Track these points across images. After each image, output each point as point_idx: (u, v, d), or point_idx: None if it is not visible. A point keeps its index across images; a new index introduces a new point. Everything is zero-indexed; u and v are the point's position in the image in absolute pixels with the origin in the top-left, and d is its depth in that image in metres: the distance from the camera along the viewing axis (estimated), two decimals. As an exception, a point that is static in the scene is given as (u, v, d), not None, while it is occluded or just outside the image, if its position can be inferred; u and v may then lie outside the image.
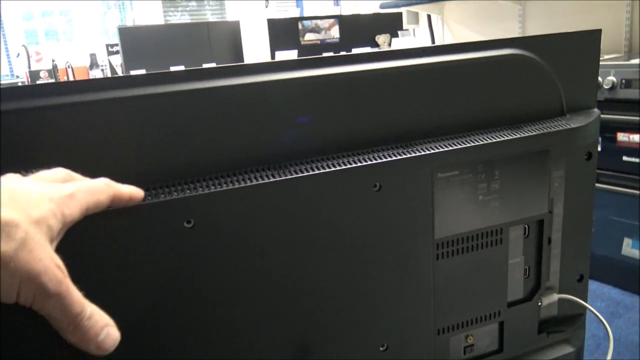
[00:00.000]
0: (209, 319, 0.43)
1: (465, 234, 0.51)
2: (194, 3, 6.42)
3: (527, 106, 0.53)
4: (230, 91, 0.43)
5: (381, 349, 0.50)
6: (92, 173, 0.40)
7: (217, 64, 3.85)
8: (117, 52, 4.44)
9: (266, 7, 4.12)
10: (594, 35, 0.55)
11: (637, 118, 1.54)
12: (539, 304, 0.57)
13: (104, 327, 0.33)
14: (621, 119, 1.57)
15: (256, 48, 3.98)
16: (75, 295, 0.32)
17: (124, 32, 3.89)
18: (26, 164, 0.37)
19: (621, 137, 1.61)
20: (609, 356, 0.57)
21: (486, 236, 0.52)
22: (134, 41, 3.89)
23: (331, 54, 4.43)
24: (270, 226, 0.43)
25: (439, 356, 0.53)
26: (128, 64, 3.92)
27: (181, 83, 0.42)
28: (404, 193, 0.47)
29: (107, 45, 4.53)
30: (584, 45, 0.55)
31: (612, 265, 1.66)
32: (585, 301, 0.60)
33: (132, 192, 0.38)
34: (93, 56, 4.17)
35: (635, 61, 1.61)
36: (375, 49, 4.37)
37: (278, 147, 0.45)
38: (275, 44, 4.01)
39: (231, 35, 4.20)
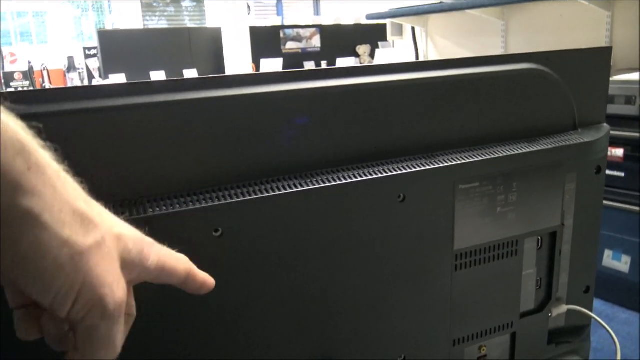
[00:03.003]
0: (232, 327, 0.43)
1: (483, 245, 0.51)
2: (172, 8, 6.37)
3: (542, 120, 0.54)
4: (261, 99, 0.42)
5: (399, 359, 0.50)
6: (116, 181, 0.39)
7: (197, 71, 3.83)
8: (94, 56, 4.37)
9: (248, 14, 4.11)
10: (605, 52, 0.57)
11: (621, 133, 1.59)
12: (550, 315, 0.58)
13: None
14: (604, 133, 1.62)
15: (237, 55, 3.97)
16: (123, 326, 0.29)
17: (103, 35, 3.83)
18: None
19: (604, 151, 1.66)
20: (617, 367, 0.58)
21: (503, 247, 0.52)
22: (113, 45, 3.83)
23: (312, 63, 4.44)
24: (296, 235, 0.43)
25: (453, 367, 0.54)
26: (107, 67, 3.86)
27: (208, 90, 0.41)
28: (427, 204, 0.47)
29: (85, 49, 4.45)
30: (596, 61, 0.56)
31: (592, 276, 1.69)
32: (592, 312, 0.61)
33: (206, 278, 0.35)
34: (71, 59, 4.09)
35: (617, 77, 1.66)
36: (358, 60, 4.41)
37: (305, 157, 0.45)
38: (257, 52, 4.00)
39: (212, 41, 4.18)
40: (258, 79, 0.43)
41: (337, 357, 0.47)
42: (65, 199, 0.26)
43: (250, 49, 3.97)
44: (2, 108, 0.25)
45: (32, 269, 0.25)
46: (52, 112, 0.36)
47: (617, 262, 1.70)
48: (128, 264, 0.30)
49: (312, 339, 0.46)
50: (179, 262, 0.33)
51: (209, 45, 4.22)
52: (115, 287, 0.28)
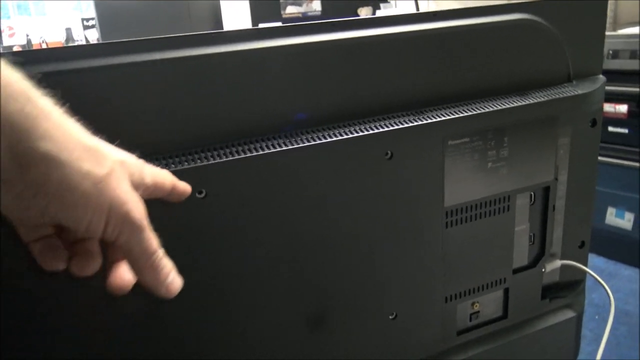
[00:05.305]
0: (221, 290, 0.43)
1: (474, 202, 0.51)
2: (170, -25, 6.23)
3: (535, 72, 0.53)
4: (243, 56, 0.41)
5: (390, 317, 0.50)
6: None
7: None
8: (92, 27, 4.31)
9: (246, -21, 4.02)
10: (600, 1, 0.55)
11: (624, 89, 1.56)
12: (543, 270, 0.58)
13: (172, 270, 0.35)
14: (608, 89, 1.58)
15: (237, 19, 3.89)
16: (152, 233, 0.33)
17: (100, 6, 3.76)
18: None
19: (607, 107, 1.63)
20: (611, 319, 0.58)
21: (494, 203, 0.52)
22: (111, 16, 3.75)
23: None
24: (282, 195, 0.43)
25: (446, 324, 0.54)
26: (105, 39, 3.81)
27: (192, 48, 0.40)
28: (415, 161, 0.47)
29: (83, 20, 4.39)
30: (590, 11, 0.55)
31: (595, 234, 1.69)
32: (586, 267, 0.61)
33: (186, 188, 0.38)
34: (69, 30, 4.05)
35: (622, 31, 1.62)
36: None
37: (290, 115, 0.44)
38: (257, 17, 3.93)
39: (211, 8, 4.10)
40: (240, 35, 0.41)
41: (328, 315, 0.47)
42: (74, 138, 0.30)
43: (249, 13, 3.90)
44: (3, 61, 0.27)
45: (64, 203, 0.29)
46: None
47: (620, 219, 1.69)
48: (134, 185, 0.33)
49: (302, 299, 0.46)
50: (166, 176, 0.37)
51: (208, 12, 4.14)
52: (135, 203, 0.32)
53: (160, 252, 0.34)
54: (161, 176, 0.36)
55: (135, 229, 0.32)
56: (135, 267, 0.34)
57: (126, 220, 0.31)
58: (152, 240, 0.33)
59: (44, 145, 0.28)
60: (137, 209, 0.32)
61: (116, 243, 0.32)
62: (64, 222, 0.30)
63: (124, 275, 0.35)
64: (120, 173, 0.32)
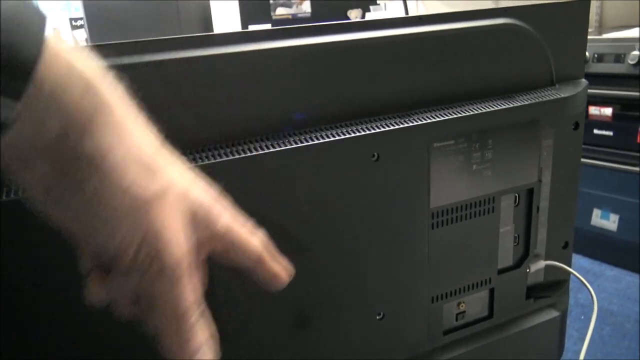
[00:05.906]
0: (207, 290, 0.43)
1: (459, 203, 0.52)
2: (159, -24, 6.20)
3: (519, 76, 0.54)
4: (232, 59, 0.42)
5: (377, 317, 0.51)
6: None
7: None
8: (81, 27, 4.28)
9: (236, -20, 4.01)
10: (583, 6, 0.56)
11: (609, 92, 1.58)
12: (527, 270, 0.59)
13: (204, 343, 0.28)
14: (593, 92, 1.61)
15: (226, 22, 3.89)
16: (189, 288, 0.26)
17: (88, 6, 3.74)
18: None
19: (593, 110, 1.65)
20: (593, 318, 0.59)
21: (479, 205, 0.53)
22: (100, 16, 3.74)
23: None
24: (269, 196, 0.43)
25: (432, 324, 0.55)
26: (93, 39, 3.78)
27: (181, 50, 0.40)
28: (402, 163, 0.47)
29: (71, 20, 4.36)
30: (573, 15, 0.56)
31: (581, 235, 1.72)
32: (570, 267, 0.62)
33: (280, 272, 0.31)
34: (56, 31, 4.01)
35: (607, 35, 1.64)
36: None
37: (278, 117, 0.44)
38: (246, 18, 3.93)
39: (201, 10, 4.10)
40: (230, 38, 0.42)
41: (314, 316, 0.48)
42: (130, 144, 0.25)
43: (239, 15, 3.89)
44: (72, 47, 0.24)
45: (94, 217, 0.24)
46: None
47: (605, 220, 1.71)
48: (194, 222, 0.27)
49: (288, 299, 0.46)
50: (251, 239, 0.30)
51: (197, 13, 4.14)
52: (175, 243, 0.26)
53: (195, 316, 0.27)
54: (243, 236, 0.30)
55: (165, 273, 0.25)
56: (157, 321, 0.26)
57: (156, 258, 0.25)
58: (187, 296, 0.26)
59: (90, 144, 0.24)
60: (176, 251, 0.26)
61: (141, 283, 0.26)
62: (90, 241, 0.25)
63: None
64: (172, 202, 0.26)
